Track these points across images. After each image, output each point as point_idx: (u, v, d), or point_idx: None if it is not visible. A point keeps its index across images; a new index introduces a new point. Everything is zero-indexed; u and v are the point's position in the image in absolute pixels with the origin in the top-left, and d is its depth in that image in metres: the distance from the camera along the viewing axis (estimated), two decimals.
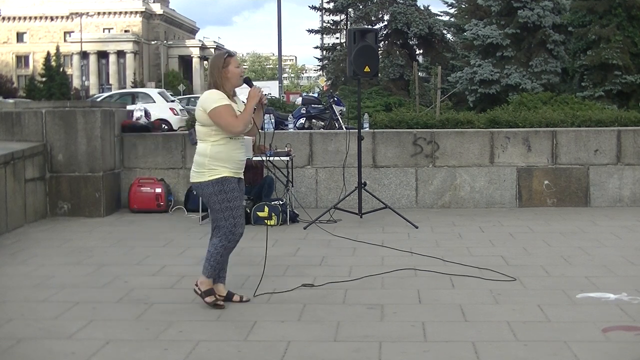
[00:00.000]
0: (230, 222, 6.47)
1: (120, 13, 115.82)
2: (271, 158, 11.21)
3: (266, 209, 10.89)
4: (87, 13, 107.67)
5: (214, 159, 6.43)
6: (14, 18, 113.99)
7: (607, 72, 28.52)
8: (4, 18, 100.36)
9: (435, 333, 5.73)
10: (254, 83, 6.73)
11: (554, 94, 26.01)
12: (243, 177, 6.73)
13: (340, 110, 17.05)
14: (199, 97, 6.74)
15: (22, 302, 6.82)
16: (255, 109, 6.59)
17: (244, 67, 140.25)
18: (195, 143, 6.44)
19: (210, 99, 6.42)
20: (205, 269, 6.57)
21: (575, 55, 30.12)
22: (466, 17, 37.62)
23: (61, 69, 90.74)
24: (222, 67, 6.50)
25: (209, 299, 6.53)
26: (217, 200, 6.45)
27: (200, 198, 6.51)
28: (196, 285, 6.62)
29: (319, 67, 56.13)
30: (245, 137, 6.65)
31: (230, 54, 6.66)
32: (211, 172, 6.43)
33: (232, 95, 6.57)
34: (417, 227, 10.45)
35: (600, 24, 28.99)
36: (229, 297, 6.70)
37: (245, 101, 6.59)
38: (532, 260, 8.35)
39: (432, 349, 5.39)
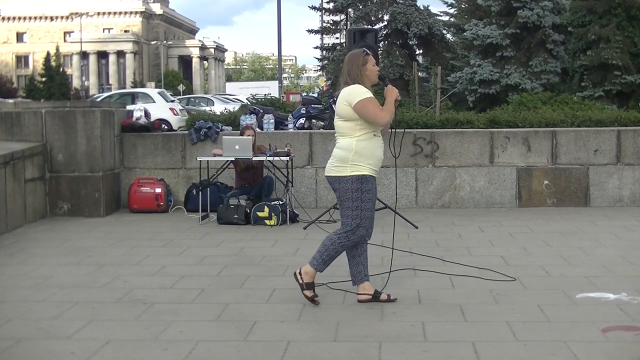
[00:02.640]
0: (356, 221, 6.48)
1: (120, 13, 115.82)
2: (271, 158, 11.21)
3: (266, 209, 10.89)
4: (87, 13, 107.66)
5: (359, 155, 6.44)
6: (14, 18, 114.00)
7: (606, 72, 28.48)
8: (3, 18, 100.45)
9: (435, 333, 5.73)
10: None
11: (554, 94, 25.96)
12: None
13: None
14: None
15: (22, 302, 6.82)
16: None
17: (244, 67, 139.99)
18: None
19: (355, 93, 6.44)
20: (315, 260, 6.58)
21: (575, 55, 30.09)
22: (466, 17, 37.57)
23: (61, 69, 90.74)
24: (361, 64, 6.56)
25: (307, 292, 6.57)
26: (351, 197, 6.46)
27: (337, 193, 6.42)
28: (299, 273, 6.63)
29: (319, 67, 56.04)
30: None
31: (368, 53, 6.69)
32: (353, 167, 6.44)
33: None
34: (417, 227, 10.45)
35: (600, 24, 28.95)
36: (376, 296, 6.65)
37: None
38: (532, 260, 8.35)
39: (432, 349, 5.39)
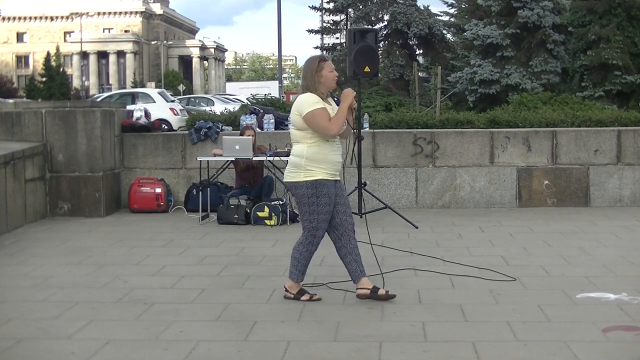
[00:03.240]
0: (313, 225, 6.64)
1: (120, 13, 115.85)
2: (271, 158, 11.21)
3: (266, 209, 10.90)
4: (87, 13, 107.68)
5: (311, 160, 6.53)
6: (14, 18, 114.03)
7: (607, 72, 28.52)
8: (4, 18, 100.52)
9: (435, 333, 5.73)
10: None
11: (554, 94, 26.01)
12: (340, 179, 6.80)
13: None
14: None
15: (22, 302, 6.83)
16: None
17: (244, 67, 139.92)
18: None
19: (305, 103, 6.52)
20: (292, 273, 6.77)
21: (575, 55, 30.12)
22: (466, 17, 37.60)
23: (61, 69, 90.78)
24: (315, 71, 6.59)
25: (304, 298, 6.70)
26: (307, 202, 6.59)
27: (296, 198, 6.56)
28: (287, 290, 6.79)
29: None
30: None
31: (324, 58, 6.72)
32: (307, 173, 6.54)
33: (326, 98, 6.66)
34: (417, 227, 10.45)
35: (600, 24, 28.99)
36: (374, 291, 6.70)
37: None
38: (532, 260, 8.35)
39: (432, 349, 5.39)
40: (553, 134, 12.39)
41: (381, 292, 6.69)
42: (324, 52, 51.10)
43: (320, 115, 6.47)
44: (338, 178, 6.73)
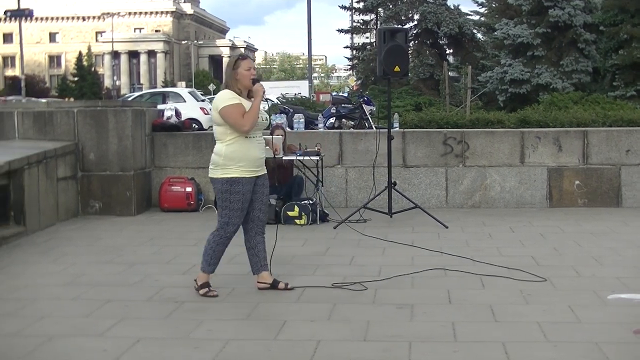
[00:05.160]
0: (225, 220, 6.87)
1: (151, 13, 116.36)
2: (301, 157, 11.23)
3: (296, 208, 10.91)
4: (119, 13, 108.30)
5: (228, 159, 6.76)
6: (47, 18, 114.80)
7: (638, 71, 28.29)
8: (36, 18, 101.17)
9: (465, 333, 5.72)
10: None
11: (585, 93, 25.82)
12: (265, 173, 7.06)
13: (370, 109, 17.05)
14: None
15: (54, 300, 6.89)
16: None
17: (274, 66, 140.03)
18: None
19: (221, 99, 6.77)
20: (202, 263, 7.02)
21: (606, 55, 29.91)
22: (496, 16, 37.45)
23: (93, 69, 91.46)
24: (232, 68, 6.82)
25: (202, 291, 6.91)
26: (221, 197, 6.86)
27: None
28: (195, 280, 7.04)
29: (349, 67, 56.02)
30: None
31: (243, 57, 6.99)
32: (223, 170, 6.79)
33: (247, 96, 6.83)
34: (447, 227, 10.42)
35: (631, 23, 28.76)
36: (274, 285, 6.98)
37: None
38: (563, 260, 8.31)
39: (462, 349, 5.38)
40: (584, 133, 12.31)
41: (280, 285, 7.01)
42: (354, 51, 51.13)
43: (233, 110, 6.68)
44: (260, 173, 6.95)
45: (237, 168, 6.74)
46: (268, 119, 6.94)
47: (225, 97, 6.73)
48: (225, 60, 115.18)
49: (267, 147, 7.08)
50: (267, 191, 7.11)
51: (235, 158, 6.73)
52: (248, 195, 6.84)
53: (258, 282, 7.05)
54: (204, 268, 6.99)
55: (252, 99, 6.79)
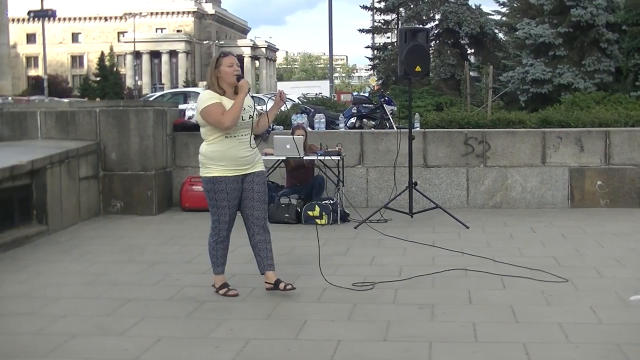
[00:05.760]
0: (215, 218, 6.95)
1: (173, 13, 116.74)
2: (322, 157, 11.24)
3: (317, 208, 10.92)
4: (140, 13, 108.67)
5: (208, 158, 6.87)
6: (69, 19, 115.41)
7: None
8: (59, 19, 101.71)
9: (485, 334, 5.71)
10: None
11: (607, 93, 25.64)
12: (258, 171, 7.00)
13: (391, 109, 16.99)
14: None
15: (76, 299, 6.93)
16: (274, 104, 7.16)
17: (295, 66, 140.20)
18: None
19: (200, 100, 6.86)
20: (212, 268, 7.10)
21: (629, 54, 29.68)
22: (518, 16, 37.28)
23: (115, 69, 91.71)
24: (214, 67, 6.87)
25: (221, 292, 6.97)
26: (207, 196, 6.95)
27: None
28: (213, 285, 7.11)
29: (370, 67, 55.94)
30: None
31: (225, 54, 7.00)
32: (205, 170, 6.91)
33: (231, 94, 6.83)
34: (468, 227, 10.40)
35: None
36: (276, 285, 6.91)
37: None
38: (584, 261, 8.28)
39: (483, 349, 5.37)
40: (606, 134, 12.25)
41: (281, 285, 6.91)
42: (375, 51, 51.08)
43: (212, 109, 6.71)
44: (245, 172, 6.89)
45: (217, 167, 6.79)
46: (252, 118, 6.88)
47: (204, 98, 6.79)
48: (246, 60, 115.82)
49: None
50: (261, 188, 6.98)
51: (215, 157, 6.79)
52: (234, 194, 6.85)
53: (265, 282, 7.03)
54: (214, 270, 7.09)
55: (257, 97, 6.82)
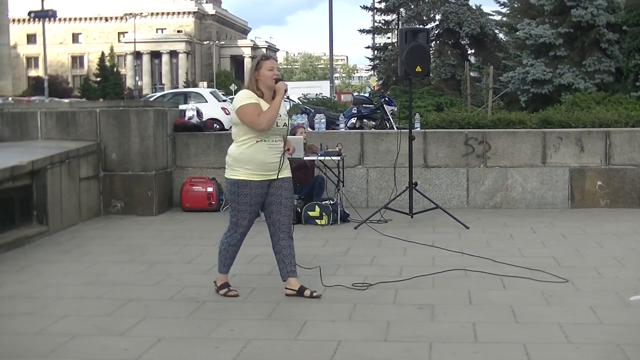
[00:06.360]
0: (234, 220, 6.91)
1: (173, 14, 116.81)
2: (322, 157, 11.24)
3: (317, 208, 10.92)
4: (141, 14, 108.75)
5: (236, 160, 6.77)
6: (70, 19, 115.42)
7: None
8: (60, 19, 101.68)
9: (485, 334, 5.71)
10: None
11: (608, 93, 25.68)
12: (286, 177, 6.94)
13: (392, 110, 17.03)
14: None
15: (77, 299, 6.93)
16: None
17: (295, 67, 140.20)
18: None
19: (238, 98, 6.78)
20: (218, 266, 7.05)
21: (629, 55, 29.69)
22: (518, 16, 37.32)
23: (115, 69, 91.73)
24: (255, 69, 6.81)
25: (222, 291, 6.94)
26: (230, 198, 6.93)
27: None
28: (214, 282, 7.10)
29: (370, 67, 56.04)
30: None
31: (266, 57, 6.95)
32: (232, 171, 6.81)
33: (271, 97, 6.77)
34: (468, 228, 10.40)
35: None
36: (300, 292, 6.85)
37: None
38: (585, 261, 8.28)
39: (483, 350, 5.37)
40: (606, 134, 12.25)
41: (306, 292, 6.84)
42: (375, 51, 51.11)
43: (249, 109, 6.64)
44: (271, 178, 6.81)
45: (244, 170, 6.71)
46: (287, 125, 6.86)
47: (243, 97, 6.72)
48: (247, 61, 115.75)
49: (288, 148, 6.99)
50: (288, 194, 6.93)
51: (242, 160, 6.71)
52: (257, 199, 6.81)
53: (286, 287, 6.91)
54: (220, 269, 7.04)
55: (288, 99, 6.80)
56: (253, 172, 6.71)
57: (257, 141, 6.69)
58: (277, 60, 7.01)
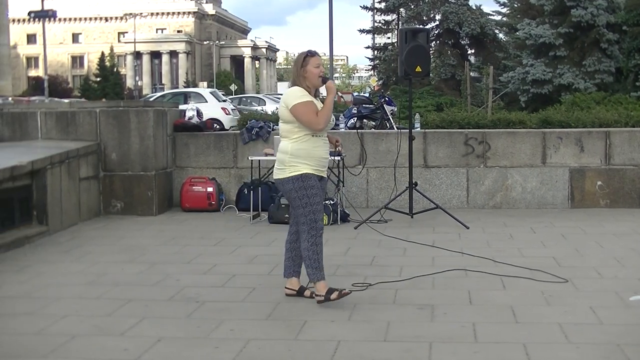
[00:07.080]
0: (311, 217, 6.58)
1: (173, 14, 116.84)
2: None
3: None
4: (141, 14, 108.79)
5: (294, 156, 6.55)
6: (70, 19, 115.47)
7: None
8: (60, 19, 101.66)
9: (485, 334, 5.71)
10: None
11: (608, 93, 25.65)
12: (326, 176, 6.86)
13: (392, 110, 17.01)
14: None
15: (77, 299, 6.92)
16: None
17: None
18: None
19: (292, 96, 6.59)
20: (311, 275, 6.64)
21: (629, 55, 29.66)
22: (518, 16, 37.29)
23: (115, 69, 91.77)
24: (300, 66, 6.66)
25: (334, 296, 6.51)
26: (297, 196, 6.57)
27: (283, 195, 6.66)
28: (316, 295, 6.63)
29: (370, 67, 56.02)
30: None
31: (311, 54, 6.75)
32: (291, 168, 6.56)
33: (313, 94, 6.70)
34: (468, 228, 10.40)
35: None
36: (300, 292, 6.82)
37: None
38: (584, 261, 8.27)
39: (483, 350, 5.37)
40: (606, 134, 12.25)
41: (306, 293, 6.80)
42: (375, 51, 51.12)
43: (307, 109, 6.52)
44: (324, 175, 6.76)
45: (304, 165, 6.54)
46: (334, 120, 6.81)
47: (297, 95, 6.57)
48: (247, 61, 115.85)
49: (337, 140, 6.95)
50: (324, 194, 6.84)
51: (301, 155, 6.54)
52: (321, 191, 6.68)
53: (286, 287, 6.88)
54: (317, 277, 6.61)
55: (318, 96, 6.73)
56: (312, 167, 6.58)
57: (312, 136, 6.58)
58: (321, 60, 6.86)
